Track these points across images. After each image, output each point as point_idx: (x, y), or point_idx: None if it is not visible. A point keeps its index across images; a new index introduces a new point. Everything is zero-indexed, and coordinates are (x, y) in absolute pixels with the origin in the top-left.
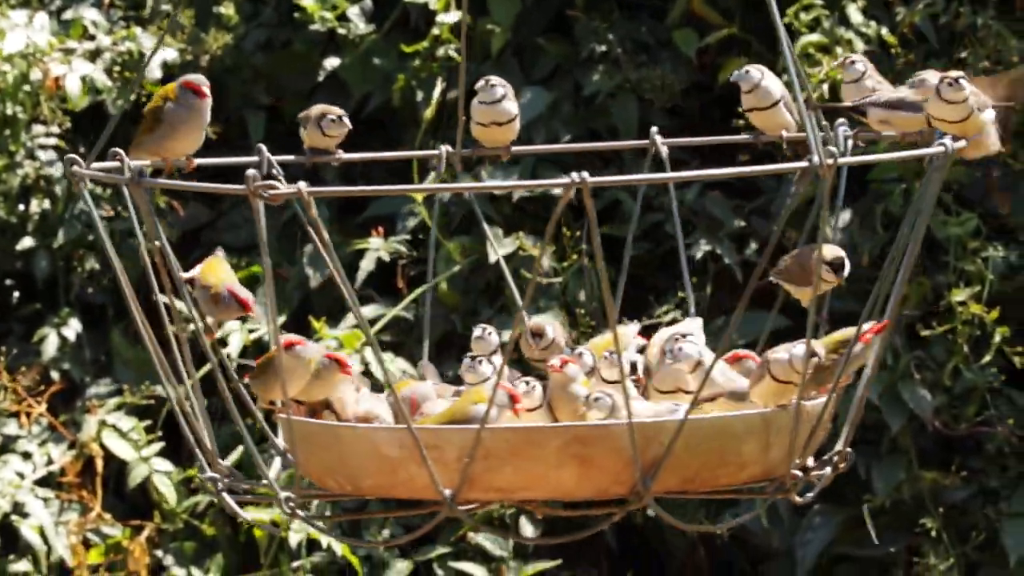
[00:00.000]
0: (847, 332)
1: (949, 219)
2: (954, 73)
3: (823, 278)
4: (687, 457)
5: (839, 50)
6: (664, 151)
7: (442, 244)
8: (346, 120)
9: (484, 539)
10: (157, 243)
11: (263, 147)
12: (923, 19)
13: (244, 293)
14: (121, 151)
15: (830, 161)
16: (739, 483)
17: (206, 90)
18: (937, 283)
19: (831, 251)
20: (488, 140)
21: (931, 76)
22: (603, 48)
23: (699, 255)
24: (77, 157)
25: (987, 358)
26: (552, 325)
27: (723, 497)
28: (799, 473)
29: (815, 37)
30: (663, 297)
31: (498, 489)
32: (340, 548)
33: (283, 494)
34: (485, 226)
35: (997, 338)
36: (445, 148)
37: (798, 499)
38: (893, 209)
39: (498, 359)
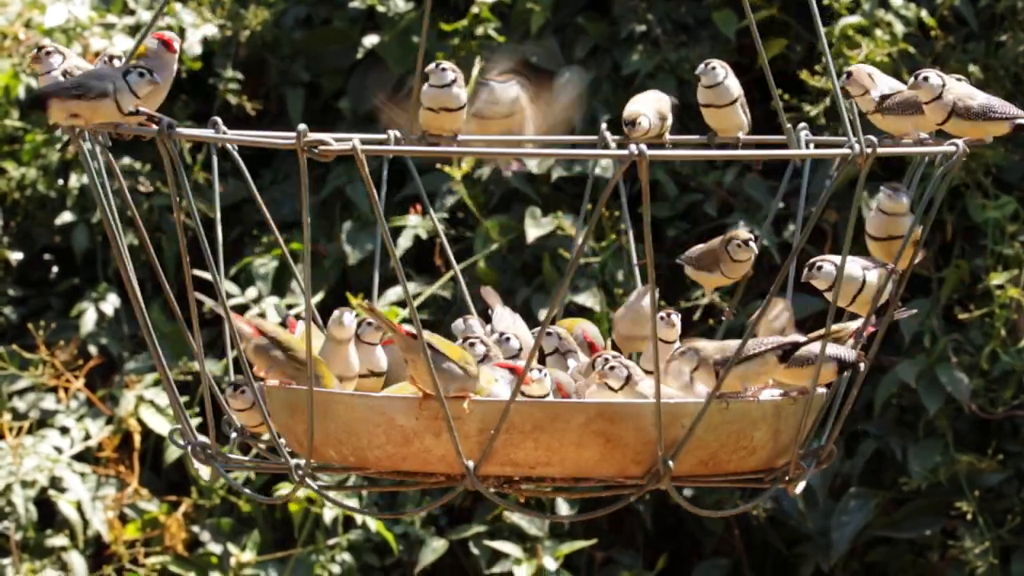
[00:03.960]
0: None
1: (987, 203)
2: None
3: (735, 258)
4: (707, 439)
5: (878, 32)
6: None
7: (480, 222)
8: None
9: (519, 518)
10: (183, 204)
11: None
12: (963, 1)
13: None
14: (144, 106)
15: (868, 150)
16: (747, 469)
17: (176, 45)
18: (975, 267)
19: (743, 233)
20: (435, 127)
21: (933, 76)
22: (643, 28)
23: None
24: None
25: None
26: None
27: (730, 485)
28: (803, 464)
29: (855, 19)
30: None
31: (516, 463)
32: (375, 525)
33: (293, 462)
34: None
35: None
36: (393, 133)
37: (793, 490)
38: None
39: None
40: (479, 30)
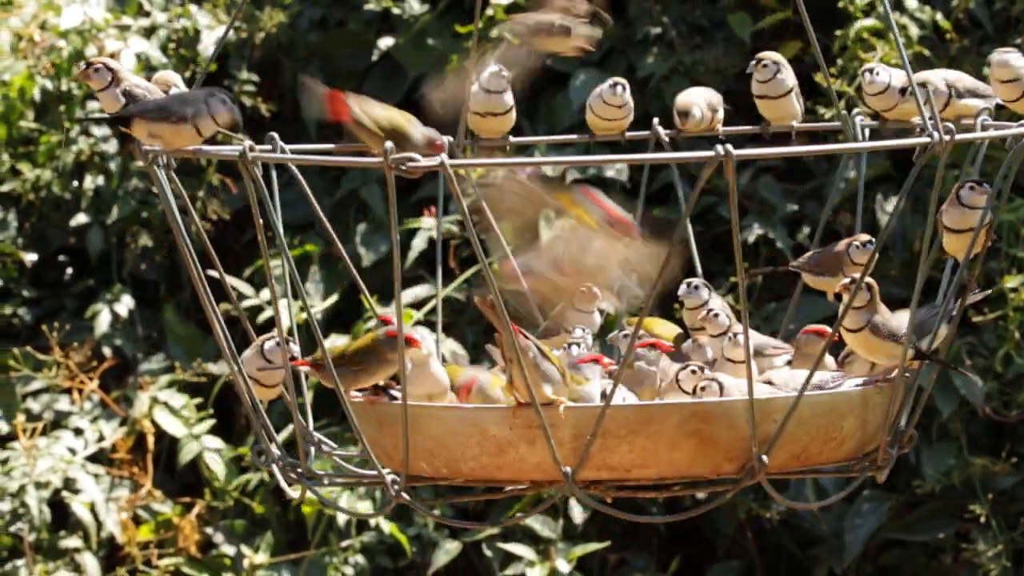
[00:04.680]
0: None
1: (1002, 206)
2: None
3: (855, 261)
4: (798, 433)
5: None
6: (665, 138)
7: (494, 225)
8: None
9: (533, 521)
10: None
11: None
12: (978, 4)
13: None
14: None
15: (947, 137)
16: (837, 459)
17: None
18: (989, 269)
19: (860, 236)
20: (484, 130)
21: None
22: (658, 30)
23: (752, 239)
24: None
25: None
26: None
27: (823, 475)
28: (891, 450)
29: (870, 22)
30: (715, 279)
31: (611, 467)
32: (389, 527)
33: (389, 476)
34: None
35: None
36: (447, 139)
37: (882, 476)
38: (945, 195)
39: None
40: (494, 32)
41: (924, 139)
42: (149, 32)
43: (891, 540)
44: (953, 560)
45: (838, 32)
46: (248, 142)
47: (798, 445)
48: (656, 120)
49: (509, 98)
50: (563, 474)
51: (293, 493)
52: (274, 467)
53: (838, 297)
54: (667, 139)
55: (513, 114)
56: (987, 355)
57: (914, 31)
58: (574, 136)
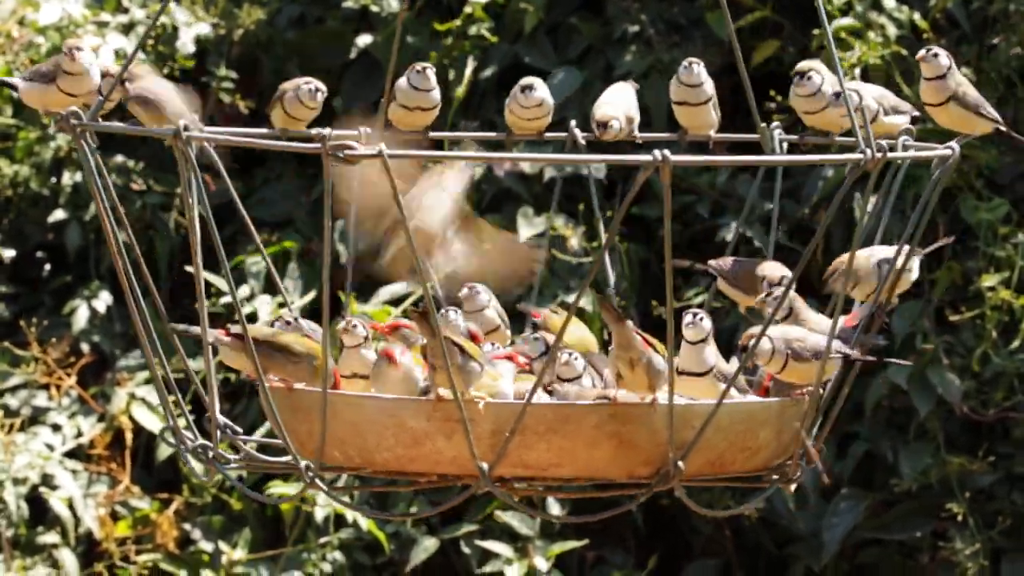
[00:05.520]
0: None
1: (980, 204)
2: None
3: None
4: (715, 440)
5: (871, 34)
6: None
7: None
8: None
9: (511, 517)
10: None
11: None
12: (956, 4)
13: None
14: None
15: (879, 155)
16: (751, 469)
17: None
18: (967, 268)
19: (778, 268)
20: (407, 123)
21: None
22: (636, 28)
23: (728, 237)
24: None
25: (1016, 344)
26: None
27: (734, 485)
28: (803, 462)
29: (847, 21)
30: (692, 279)
31: (527, 465)
32: (367, 524)
33: (303, 463)
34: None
35: None
36: (363, 129)
37: (791, 488)
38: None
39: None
40: (472, 29)
41: (857, 155)
42: (127, 28)
43: (868, 539)
44: (930, 559)
45: (815, 31)
46: (183, 121)
47: (714, 452)
48: (574, 122)
49: (437, 95)
50: (479, 469)
51: (203, 475)
52: (183, 449)
53: (749, 311)
54: (583, 142)
55: (437, 111)
56: (964, 354)
57: (892, 30)
58: (493, 134)
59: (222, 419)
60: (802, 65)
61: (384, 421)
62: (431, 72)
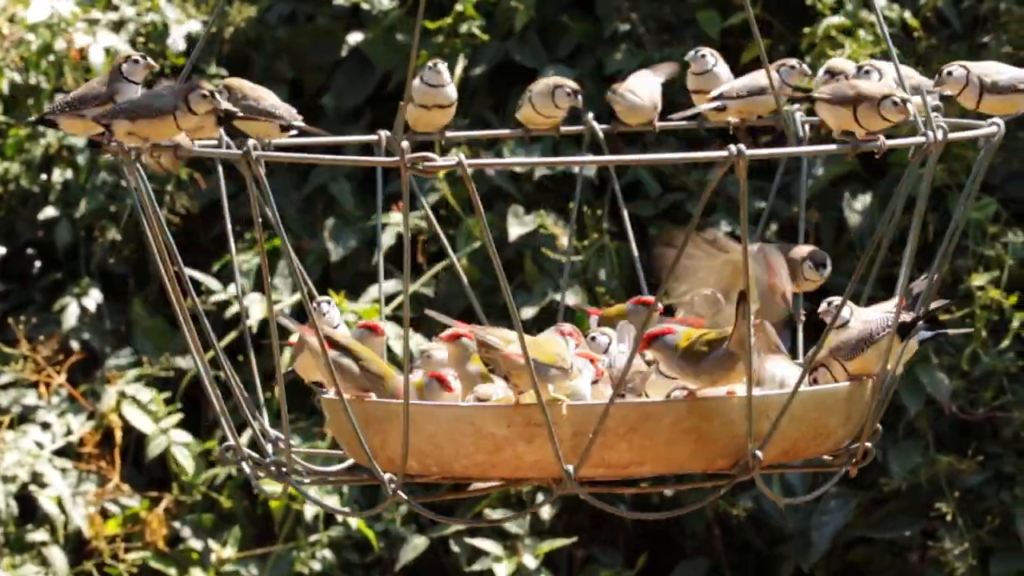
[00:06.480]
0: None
1: (971, 206)
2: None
3: (806, 276)
4: (789, 429)
5: (861, 33)
6: (600, 134)
7: (463, 220)
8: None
9: (501, 516)
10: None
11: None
12: (946, 2)
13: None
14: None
15: (940, 136)
16: (820, 454)
17: None
18: (956, 267)
19: (810, 249)
20: (424, 124)
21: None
22: (626, 27)
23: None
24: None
25: (1005, 343)
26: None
27: (808, 470)
28: (869, 445)
29: (838, 19)
30: None
31: (609, 465)
32: (356, 522)
33: (386, 476)
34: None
35: (1015, 323)
36: (384, 133)
37: (854, 472)
38: (914, 192)
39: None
40: (463, 28)
41: (919, 139)
42: (118, 26)
43: (858, 538)
44: (919, 558)
45: (806, 30)
46: (252, 141)
47: (789, 441)
48: (591, 115)
49: (453, 91)
50: (565, 472)
51: (269, 490)
52: (244, 464)
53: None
54: (602, 134)
55: (454, 109)
56: (953, 353)
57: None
58: (507, 131)
59: (274, 432)
60: (698, 49)
61: (463, 429)
62: (444, 67)
